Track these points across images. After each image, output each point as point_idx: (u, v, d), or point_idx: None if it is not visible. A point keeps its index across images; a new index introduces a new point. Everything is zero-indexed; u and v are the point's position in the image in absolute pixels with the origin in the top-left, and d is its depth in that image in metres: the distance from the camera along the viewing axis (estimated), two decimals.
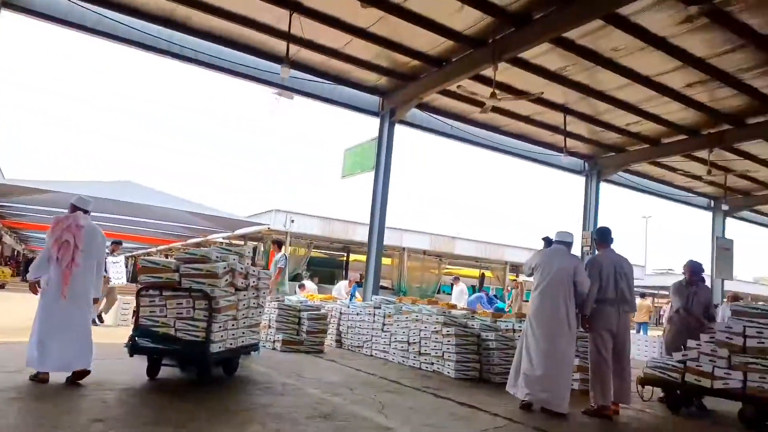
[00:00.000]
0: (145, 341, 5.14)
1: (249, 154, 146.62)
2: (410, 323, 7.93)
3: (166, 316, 5.16)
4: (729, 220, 17.70)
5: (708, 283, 7.33)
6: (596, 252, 6.03)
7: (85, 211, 5.27)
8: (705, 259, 16.32)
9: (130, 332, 5.27)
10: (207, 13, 8.59)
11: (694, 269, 6.62)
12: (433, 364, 7.38)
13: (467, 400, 5.50)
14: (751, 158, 13.27)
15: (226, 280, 5.44)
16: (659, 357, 6.81)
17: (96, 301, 5.72)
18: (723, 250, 16.00)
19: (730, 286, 17.97)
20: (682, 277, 6.89)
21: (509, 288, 16.57)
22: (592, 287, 5.48)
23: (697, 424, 5.46)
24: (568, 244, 5.70)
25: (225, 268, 5.41)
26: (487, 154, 14.55)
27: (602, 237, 5.86)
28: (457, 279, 15.05)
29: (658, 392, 6.22)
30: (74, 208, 5.23)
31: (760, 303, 6.00)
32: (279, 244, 10.35)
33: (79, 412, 3.95)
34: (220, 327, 5.25)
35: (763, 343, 5.32)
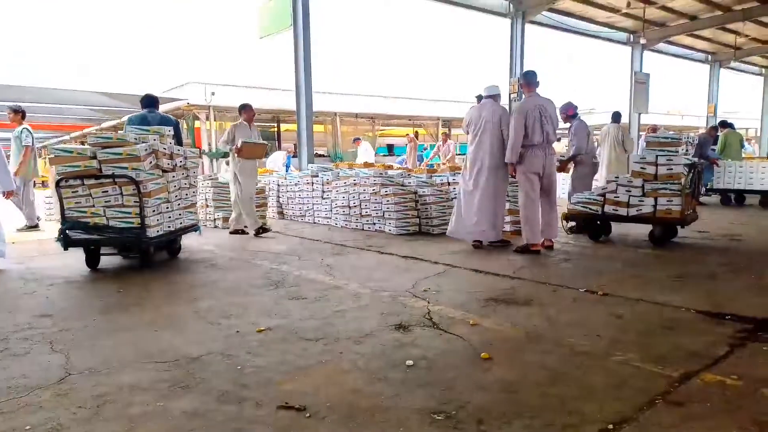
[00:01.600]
0: (78, 233, 4.98)
1: (155, 22, 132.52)
2: (349, 188, 8.04)
3: (93, 206, 4.95)
4: (646, 56, 18.25)
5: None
6: (523, 97, 6.13)
7: None
8: (623, 95, 17.08)
9: (59, 226, 5.09)
10: None
11: (560, 109, 7.02)
12: (374, 224, 7.64)
13: (409, 253, 5.82)
14: None
15: (150, 162, 5.19)
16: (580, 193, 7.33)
17: (10, 194, 5.64)
18: (639, 84, 16.67)
19: (646, 119, 19.01)
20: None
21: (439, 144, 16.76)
22: (518, 135, 5.67)
23: (614, 248, 6.09)
24: (496, 96, 6.14)
25: (146, 149, 5.13)
26: (412, 2, 13.77)
27: (528, 80, 5.92)
28: (357, 139, 15.38)
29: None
30: None
31: (671, 132, 6.43)
32: (21, 113, 7.73)
33: (23, 310, 3.88)
34: (153, 211, 5.12)
35: (671, 169, 5.83)
